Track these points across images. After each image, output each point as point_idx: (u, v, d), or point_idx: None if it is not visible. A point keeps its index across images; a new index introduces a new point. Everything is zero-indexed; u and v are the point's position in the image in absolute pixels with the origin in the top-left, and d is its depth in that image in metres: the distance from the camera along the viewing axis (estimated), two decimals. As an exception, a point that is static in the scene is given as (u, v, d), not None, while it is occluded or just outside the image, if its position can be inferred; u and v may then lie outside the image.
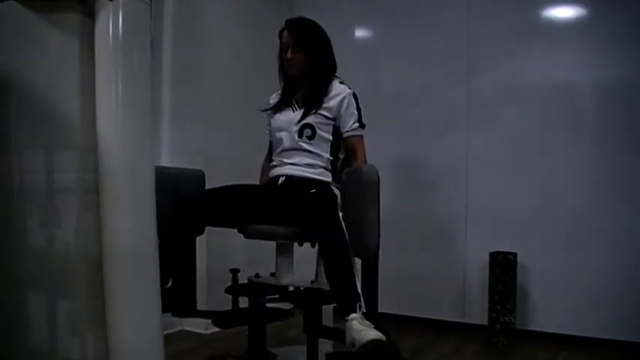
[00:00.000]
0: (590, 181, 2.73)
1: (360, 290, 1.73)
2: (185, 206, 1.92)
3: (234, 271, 2.10)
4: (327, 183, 2.05)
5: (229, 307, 2.09)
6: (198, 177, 2.14)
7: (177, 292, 1.88)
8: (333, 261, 1.77)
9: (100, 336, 1.22)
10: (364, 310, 1.70)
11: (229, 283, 2.10)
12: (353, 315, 1.67)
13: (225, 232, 2.15)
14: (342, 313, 1.71)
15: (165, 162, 2.89)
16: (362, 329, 1.62)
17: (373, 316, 1.71)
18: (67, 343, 1.26)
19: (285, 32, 2.09)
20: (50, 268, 1.27)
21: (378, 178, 1.77)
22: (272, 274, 2.11)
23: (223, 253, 2.75)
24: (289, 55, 2.07)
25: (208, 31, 2.95)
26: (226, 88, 3.01)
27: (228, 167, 2.75)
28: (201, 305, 2.07)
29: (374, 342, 1.59)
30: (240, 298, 2.08)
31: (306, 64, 2.09)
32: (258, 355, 2.14)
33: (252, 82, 3.03)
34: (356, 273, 1.77)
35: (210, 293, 2.64)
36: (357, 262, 1.85)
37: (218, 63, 2.98)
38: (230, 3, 3.09)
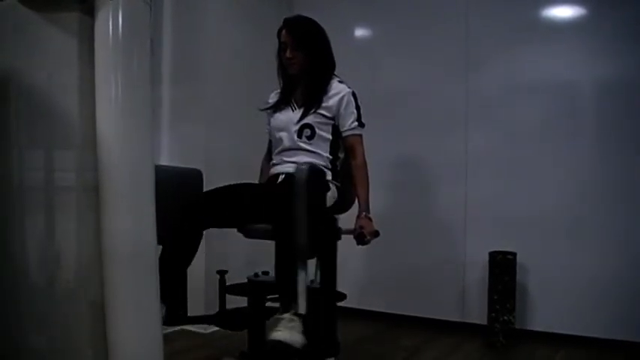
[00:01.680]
0: (589, 181, 2.73)
1: (302, 290, 1.74)
2: (186, 210, 1.90)
3: (222, 273, 2.09)
4: (326, 181, 2.04)
5: (230, 306, 2.09)
6: (197, 176, 2.13)
7: (167, 300, 1.86)
8: (279, 259, 1.77)
9: (100, 335, 1.22)
10: (297, 311, 1.71)
11: (228, 283, 2.10)
12: (285, 315, 1.71)
13: (224, 233, 2.15)
14: (281, 310, 1.74)
15: (165, 162, 2.89)
16: (279, 329, 1.66)
17: (330, 316, 1.72)
18: (67, 342, 1.26)
19: (284, 31, 2.09)
20: (50, 267, 1.27)
21: (310, 178, 1.74)
22: (264, 273, 2.10)
23: (222, 253, 2.75)
24: (288, 54, 2.07)
25: (208, 30, 2.95)
26: (226, 88, 3.01)
27: (228, 167, 2.75)
28: (199, 306, 2.07)
29: (275, 342, 1.63)
30: (239, 297, 2.08)
31: (304, 63, 2.09)
32: (257, 354, 2.13)
33: (251, 81, 3.03)
34: (300, 272, 1.75)
35: (209, 294, 2.64)
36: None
37: (218, 62, 2.98)
38: (230, 2, 3.09)
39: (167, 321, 1.85)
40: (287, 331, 1.66)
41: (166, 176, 1.91)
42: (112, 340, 1.21)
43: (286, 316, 1.71)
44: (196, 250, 1.93)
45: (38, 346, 1.27)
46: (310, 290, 1.95)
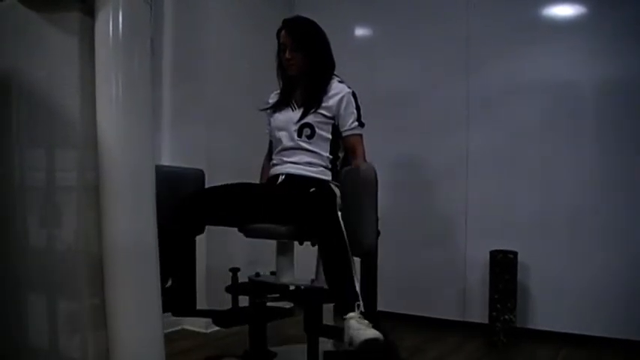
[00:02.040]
0: (590, 180, 2.73)
1: (358, 289, 1.75)
2: (184, 205, 1.91)
3: (234, 270, 2.10)
4: (327, 181, 2.05)
5: (229, 306, 2.09)
6: (198, 176, 2.14)
7: (176, 292, 1.88)
8: (332, 260, 1.78)
9: (101, 335, 1.22)
10: (362, 309, 1.70)
11: (229, 282, 2.11)
12: (351, 314, 1.69)
13: (225, 231, 2.15)
14: (340, 312, 1.73)
15: (166, 162, 2.89)
16: (359, 328, 1.64)
17: (372, 315, 1.72)
18: (68, 342, 1.26)
19: (283, 32, 2.09)
20: (50, 267, 1.27)
21: (376, 177, 1.77)
22: (272, 273, 2.11)
23: (223, 252, 2.75)
24: (287, 55, 2.07)
25: (208, 30, 2.95)
26: (227, 88, 3.01)
27: (229, 167, 2.75)
28: (201, 304, 2.07)
29: (371, 341, 1.61)
30: (241, 297, 2.09)
31: (304, 64, 2.09)
32: (259, 354, 2.14)
33: (252, 81, 3.03)
34: (354, 272, 1.77)
35: (210, 292, 2.64)
36: (357, 261, 1.85)
37: (218, 62, 2.98)
38: (231, 2, 3.09)
39: (175, 311, 1.87)
40: (369, 329, 1.65)
41: (168, 177, 1.92)
42: (112, 340, 1.21)
43: (354, 315, 1.69)
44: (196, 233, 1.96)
45: (38, 346, 1.27)
46: (312, 290, 1.96)
